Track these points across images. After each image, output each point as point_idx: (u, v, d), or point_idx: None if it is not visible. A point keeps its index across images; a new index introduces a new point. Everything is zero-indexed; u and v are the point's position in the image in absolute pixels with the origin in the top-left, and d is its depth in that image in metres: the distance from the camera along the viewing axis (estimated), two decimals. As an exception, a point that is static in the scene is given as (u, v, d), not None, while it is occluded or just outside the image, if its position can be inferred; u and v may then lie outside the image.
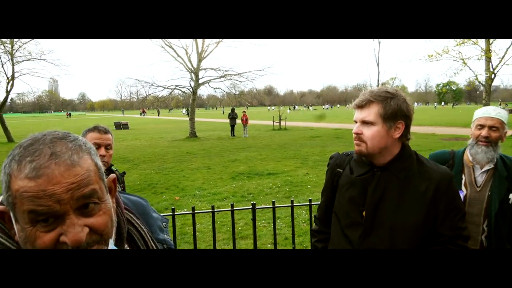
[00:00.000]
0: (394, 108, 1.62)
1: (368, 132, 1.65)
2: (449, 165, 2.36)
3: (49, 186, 0.73)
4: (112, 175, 0.91)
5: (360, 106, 1.68)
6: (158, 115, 74.46)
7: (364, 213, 1.66)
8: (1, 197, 0.80)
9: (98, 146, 2.32)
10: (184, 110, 61.97)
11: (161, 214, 1.18)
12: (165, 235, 1.12)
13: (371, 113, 1.64)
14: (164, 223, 1.16)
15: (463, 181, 2.30)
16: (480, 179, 2.29)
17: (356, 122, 1.70)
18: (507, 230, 2.22)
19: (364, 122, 1.66)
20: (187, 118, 25.39)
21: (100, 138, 2.39)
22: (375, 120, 1.63)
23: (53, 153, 0.76)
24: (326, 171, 1.89)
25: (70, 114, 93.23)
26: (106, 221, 0.82)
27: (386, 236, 1.61)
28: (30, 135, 0.81)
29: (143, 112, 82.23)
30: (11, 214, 0.78)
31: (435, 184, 1.63)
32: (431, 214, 1.62)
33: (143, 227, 1.02)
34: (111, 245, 0.85)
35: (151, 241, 1.02)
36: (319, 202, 2.02)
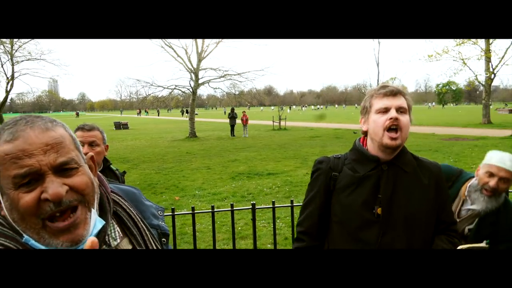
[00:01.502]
0: (411, 103, 1.70)
1: (404, 120, 1.61)
2: (453, 182, 2.28)
3: (26, 146, 0.80)
4: (90, 154, 0.95)
5: (394, 94, 1.62)
6: (158, 115, 74.52)
7: (379, 210, 1.60)
8: None
9: (82, 144, 2.34)
10: (185, 110, 62.05)
11: (166, 226, 1.15)
12: (159, 221, 1.13)
13: (404, 102, 1.64)
14: (159, 211, 1.16)
15: (453, 205, 2.24)
16: (464, 213, 2.22)
17: (385, 111, 1.60)
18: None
19: (399, 110, 1.61)
20: (187, 118, 25.38)
21: (83, 136, 2.38)
22: (407, 109, 1.65)
23: (28, 121, 0.84)
24: (316, 176, 1.75)
25: (78, 114, 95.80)
26: (85, 181, 0.86)
27: (402, 231, 1.60)
28: None
29: (139, 113, 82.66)
30: None
31: (435, 176, 1.72)
32: (436, 204, 1.70)
33: (131, 209, 1.03)
34: (94, 214, 0.88)
35: (141, 222, 1.03)
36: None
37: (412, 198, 1.63)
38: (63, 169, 0.83)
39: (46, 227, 0.82)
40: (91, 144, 2.41)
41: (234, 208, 3.23)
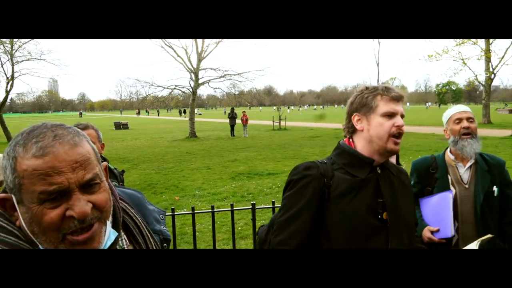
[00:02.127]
0: None
1: (404, 127, 1.58)
2: (433, 168, 2.41)
3: (56, 163, 0.79)
4: (104, 163, 0.95)
5: (401, 99, 1.57)
6: (158, 115, 74.57)
7: (384, 215, 1.51)
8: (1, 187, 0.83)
9: None
10: (182, 110, 61.95)
11: (168, 232, 1.16)
12: (161, 226, 1.14)
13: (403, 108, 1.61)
14: (161, 215, 1.17)
15: (449, 181, 2.35)
16: (466, 176, 2.34)
17: (391, 116, 1.54)
18: (496, 223, 2.27)
19: (402, 116, 1.58)
20: (185, 118, 25.30)
21: None
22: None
23: (56, 135, 0.82)
24: (304, 185, 1.52)
25: (81, 114, 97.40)
26: (106, 198, 0.88)
27: (405, 234, 1.58)
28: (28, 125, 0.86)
29: (138, 112, 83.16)
30: (14, 199, 0.82)
31: (408, 177, 1.75)
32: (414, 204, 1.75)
33: (137, 216, 1.05)
34: (109, 226, 0.89)
35: (146, 230, 1.05)
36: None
37: (404, 200, 1.62)
38: (88, 185, 0.84)
39: (65, 240, 0.83)
40: None
41: (234, 208, 3.23)
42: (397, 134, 1.54)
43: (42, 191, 0.78)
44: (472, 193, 2.29)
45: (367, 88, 1.62)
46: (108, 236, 0.89)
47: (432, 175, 2.40)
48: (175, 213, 3.20)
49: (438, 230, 2.22)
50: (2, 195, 0.84)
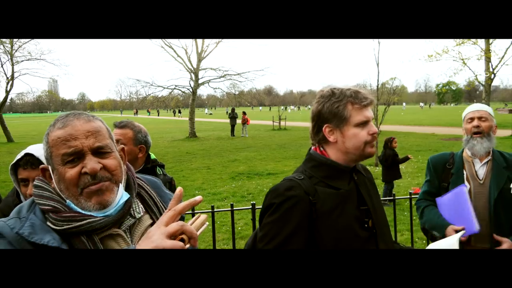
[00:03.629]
0: None
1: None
2: (450, 164, 2.44)
3: (73, 131, 1.04)
4: (121, 146, 1.18)
5: (370, 106, 1.52)
6: (158, 115, 74.68)
7: (370, 222, 1.48)
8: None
9: None
10: (177, 110, 62.03)
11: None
12: None
13: None
14: None
15: (465, 176, 2.36)
16: (482, 172, 2.35)
17: (368, 122, 1.50)
18: (510, 221, 2.24)
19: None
20: (179, 118, 25.19)
21: (113, 132, 2.29)
22: None
23: (76, 114, 1.09)
24: (290, 208, 1.39)
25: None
26: (115, 164, 1.08)
27: (387, 235, 1.57)
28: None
29: (136, 113, 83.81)
30: (50, 168, 1.07)
31: (370, 172, 1.70)
32: None
33: (152, 191, 1.22)
34: (121, 188, 1.09)
35: (160, 203, 1.21)
36: None
37: (377, 199, 1.59)
38: (99, 152, 1.06)
39: (83, 193, 1.03)
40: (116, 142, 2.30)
41: (234, 208, 3.23)
42: (372, 141, 1.50)
43: (64, 153, 1.02)
44: (487, 189, 2.29)
45: (333, 94, 1.50)
46: (121, 196, 1.07)
47: (448, 171, 2.43)
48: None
49: (463, 229, 2.18)
50: (43, 165, 1.09)
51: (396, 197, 3.40)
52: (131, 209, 1.12)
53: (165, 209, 1.16)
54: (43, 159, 1.19)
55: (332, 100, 1.49)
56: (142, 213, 1.15)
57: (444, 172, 2.43)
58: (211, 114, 70.69)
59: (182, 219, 1.23)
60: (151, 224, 1.13)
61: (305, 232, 1.39)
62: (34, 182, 1.11)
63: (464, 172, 2.37)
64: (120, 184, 1.09)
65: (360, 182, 1.54)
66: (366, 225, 1.47)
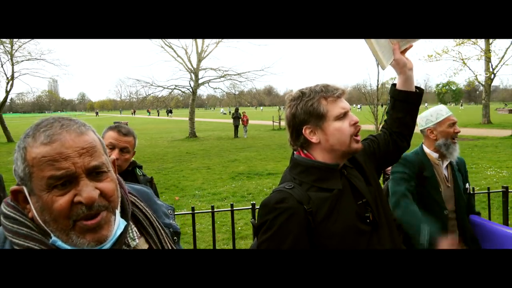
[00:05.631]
0: None
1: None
2: (422, 167, 2.40)
3: (63, 149, 0.83)
4: (112, 157, 0.98)
5: (343, 95, 1.45)
6: (158, 115, 74.71)
7: (371, 216, 1.42)
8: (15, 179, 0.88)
9: (112, 147, 2.14)
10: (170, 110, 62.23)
11: (177, 225, 1.17)
12: (171, 220, 1.16)
13: None
14: (169, 210, 1.18)
15: (439, 179, 2.38)
16: (446, 174, 2.41)
17: (347, 112, 1.43)
18: (467, 218, 2.37)
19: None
20: (170, 118, 25.06)
21: (117, 139, 2.15)
22: None
23: (63, 124, 0.87)
24: (284, 222, 1.31)
25: (97, 113, 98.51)
26: (113, 187, 0.90)
27: (386, 226, 1.49)
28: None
29: (134, 113, 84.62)
30: (25, 190, 0.86)
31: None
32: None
33: (147, 209, 1.06)
34: (118, 216, 0.91)
35: (156, 222, 1.06)
36: None
37: (370, 187, 1.50)
38: (95, 173, 0.86)
39: (76, 227, 0.85)
40: (123, 150, 2.17)
41: (234, 208, 3.23)
42: (357, 132, 1.43)
43: (50, 176, 0.81)
44: (453, 192, 2.35)
45: (303, 93, 1.44)
46: (118, 225, 0.91)
47: (422, 173, 2.40)
48: (175, 213, 3.20)
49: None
50: (15, 187, 0.87)
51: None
52: (127, 237, 0.97)
53: (161, 226, 1.06)
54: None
55: (304, 100, 1.43)
56: (137, 240, 1.00)
57: (420, 175, 2.36)
58: (225, 113, 70.51)
59: (177, 234, 1.15)
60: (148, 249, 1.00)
61: (305, 244, 1.32)
62: (4, 211, 0.88)
63: (437, 176, 2.37)
64: (117, 210, 0.91)
65: (351, 174, 1.47)
66: (368, 220, 1.41)
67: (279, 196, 1.35)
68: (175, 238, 1.12)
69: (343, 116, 1.41)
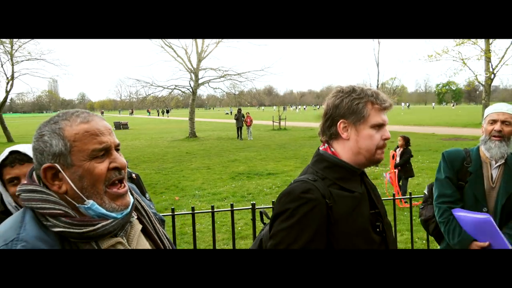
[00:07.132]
0: None
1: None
2: (467, 163, 2.39)
3: (99, 127, 1.03)
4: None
5: (388, 109, 1.48)
6: (158, 115, 74.70)
7: (380, 226, 1.44)
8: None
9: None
10: (165, 110, 62.51)
11: (160, 214, 1.32)
12: (153, 210, 1.38)
13: None
14: (151, 204, 1.40)
15: (484, 177, 2.34)
16: (494, 174, 2.34)
17: (384, 125, 1.45)
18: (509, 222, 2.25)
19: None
20: (166, 117, 25.03)
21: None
22: None
23: (83, 112, 1.06)
24: (308, 212, 1.30)
25: (102, 113, 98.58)
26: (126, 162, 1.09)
27: (393, 237, 1.53)
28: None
29: (132, 112, 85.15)
30: (58, 166, 0.99)
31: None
32: None
33: (133, 192, 1.21)
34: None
35: (146, 208, 1.22)
36: None
37: (379, 200, 1.55)
38: (117, 149, 1.07)
39: (107, 193, 1.02)
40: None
41: (234, 208, 3.23)
42: (383, 146, 1.46)
43: (94, 148, 1.00)
44: (496, 193, 2.28)
45: (354, 90, 1.46)
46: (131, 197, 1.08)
47: (466, 168, 2.38)
48: (175, 213, 3.20)
49: (489, 245, 2.17)
50: (48, 164, 0.99)
51: (395, 197, 3.40)
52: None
53: (148, 211, 1.22)
54: (30, 154, 1.10)
55: (353, 96, 1.43)
56: (135, 216, 1.15)
57: (462, 169, 2.38)
58: (227, 113, 70.58)
59: (162, 222, 1.29)
60: (142, 229, 1.13)
61: (324, 239, 1.30)
62: (28, 187, 1.00)
63: (483, 173, 2.33)
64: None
65: (367, 184, 1.51)
66: (378, 229, 1.42)
67: (305, 186, 1.34)
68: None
69: (379, 126, 1.43)
